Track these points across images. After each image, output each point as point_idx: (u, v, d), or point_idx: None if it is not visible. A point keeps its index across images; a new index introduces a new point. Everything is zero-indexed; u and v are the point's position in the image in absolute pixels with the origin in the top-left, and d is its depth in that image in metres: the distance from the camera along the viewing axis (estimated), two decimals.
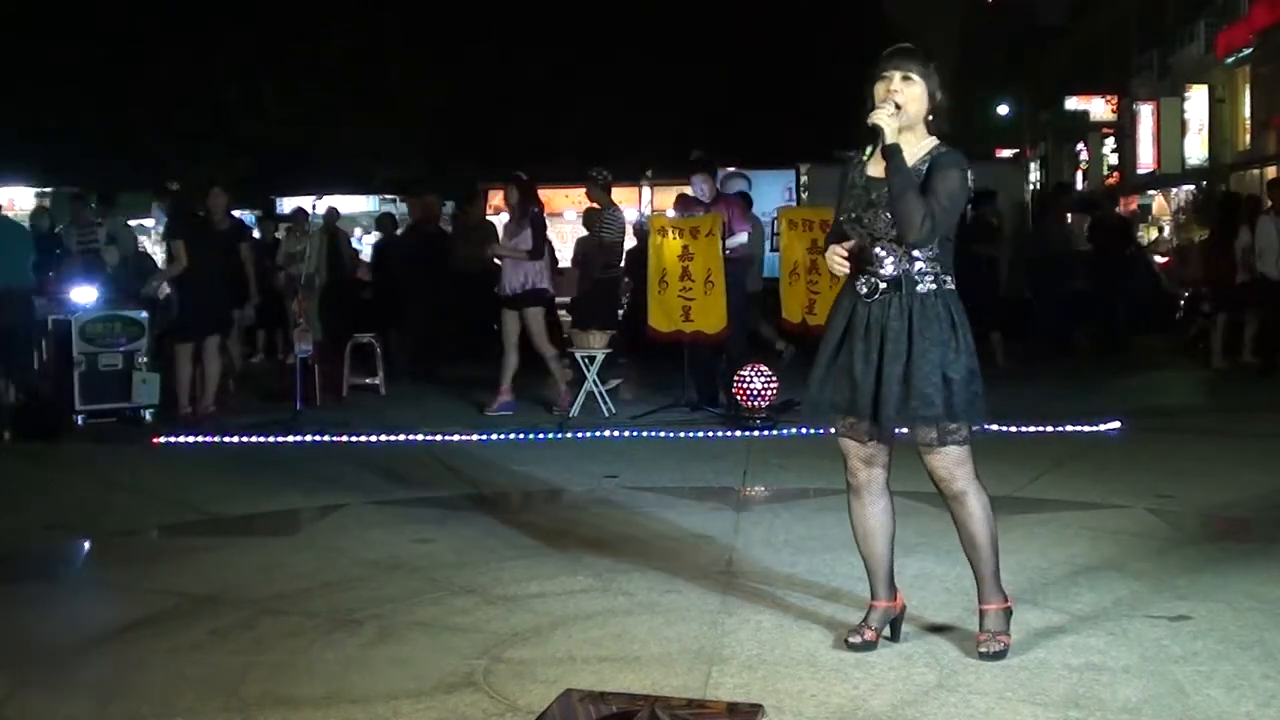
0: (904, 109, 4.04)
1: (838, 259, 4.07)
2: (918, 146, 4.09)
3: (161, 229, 12.09)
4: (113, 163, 23.67)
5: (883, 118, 4.00)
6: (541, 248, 10.04)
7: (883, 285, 4.07)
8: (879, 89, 4.06)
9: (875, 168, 4.10)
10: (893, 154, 3.99)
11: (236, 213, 12.97)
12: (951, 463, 4.12)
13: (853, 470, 4.23)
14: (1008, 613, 4.20)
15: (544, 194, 14.19)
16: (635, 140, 25.41)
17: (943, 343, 4.02)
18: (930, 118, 4.11)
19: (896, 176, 3.98)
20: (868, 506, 4.26)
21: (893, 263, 4.06)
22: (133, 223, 19.42)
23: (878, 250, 4.07)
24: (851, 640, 4.21)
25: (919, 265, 4.05)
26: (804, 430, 8.88)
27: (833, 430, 4.24)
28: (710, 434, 8.98)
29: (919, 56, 4.08)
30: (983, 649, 4.11)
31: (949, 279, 4.10)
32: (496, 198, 20.77)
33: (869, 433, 4.14)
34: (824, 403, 4.18)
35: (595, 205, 11.40)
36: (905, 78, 4.05)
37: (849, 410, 4.13)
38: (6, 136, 22.44)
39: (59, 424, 9.57)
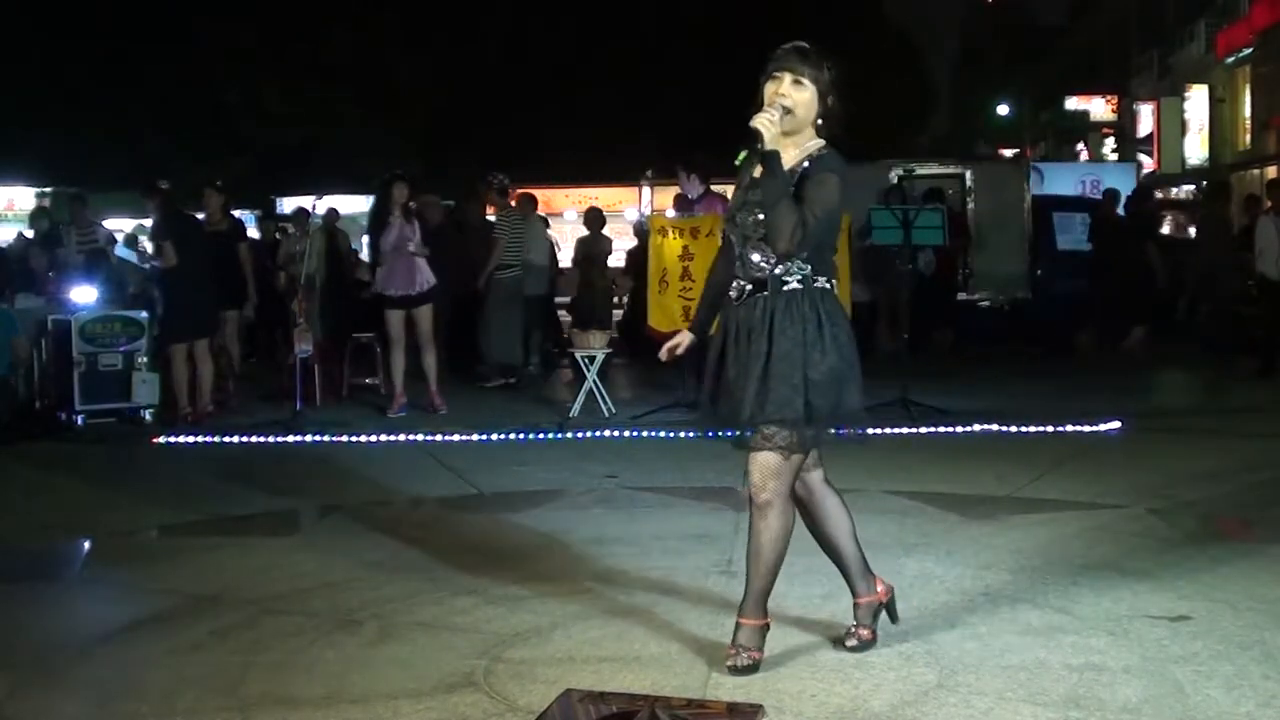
0: (792, 113, 3.96)
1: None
2: (799, 149, 4.01)
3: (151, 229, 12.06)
4: (113, 163, 23.68)
5: (763, 122, 3.90)
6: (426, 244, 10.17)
7: (749, 287, 4.01)
8: (768, 90, 4.00)
9: (759, 169, 4.04)
10: (768, 160, 3.91)
11: (236, 213, 12.95)
12: (769, 471, 3.97)
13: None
14: (764, 630, 4.08)
15: (544, 194, 14.21)
16: (635, 140, 25.41)
17: (806, 343, 3.93)
18: (819, 121, 4.05)
19: (770, 184, 3.89)
20: (815, 513, 4.19)
21: (761, 264, 4.00)
22: (133, 222, 19.47)
23: (748, 252, 4.02)
24: (850, 643, 4.20)
25: (786, 265, 3.97)
26: None
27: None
28: (710, 434, 8.96)
29: (812, 59, 4.02)
30: (730, 662, 4.00)
31: (822, 278, 4.00)
32: None
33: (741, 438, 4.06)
34: (714, 416, 4.14)
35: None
36: (796, 81, 3.98)
37: (723, 417, 4.06)
38: (6, 136, 22.45)
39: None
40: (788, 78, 3.99)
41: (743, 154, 4.01)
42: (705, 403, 4.17)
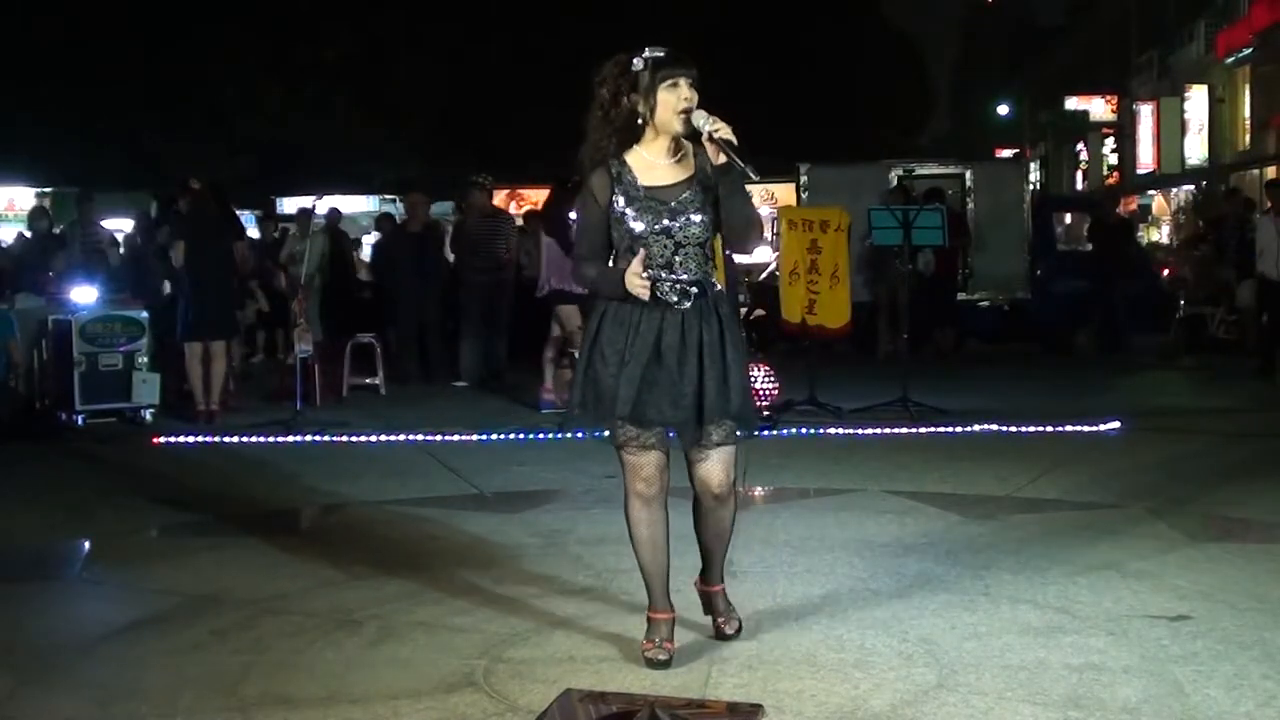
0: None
1: (639, 281, 3.94)
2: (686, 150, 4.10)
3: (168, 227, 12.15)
4: (113, 163, 23.68)
5: (730, 133, 3.92)
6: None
7: (694, 290, 4.02)
8: (668, 98, 3.98)
9: (647, 176, 4.04)
10: (742, 171, 3.95)
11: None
12: (732, 462, 4.15)
13: (649, 480, 4.11)
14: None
15: (544, 194, 14.15)
16: None
17: (742, 340, 4.16)
18: None
19: (743, 187, 4.02)
20: (657, 515, 4.16)
21: (695, 267, 4.04)
22: (131, 222, 19.44)
23: (678, 257, 4.02)
24: (659, 657, 4.07)
25: (708, 268, 4.09)
26: (804, 430, 8.89)
27: (630, 443, 4.11)
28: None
29: (690, 60, 4.05)
30: (729, 628, 4.29)
31: None
32: (496, 198, 20.73)
33: (689, 439, 4.09)
34: (627, 415, 4.03)
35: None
36: (691, 85, 4.01)
37: (668, 420, 4.03)
38: (6, 136, 22.45)
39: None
40: (684, 83, 4.00)
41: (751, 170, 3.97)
42: (623, 407, 4.02)
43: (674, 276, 4.01)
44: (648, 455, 4.11)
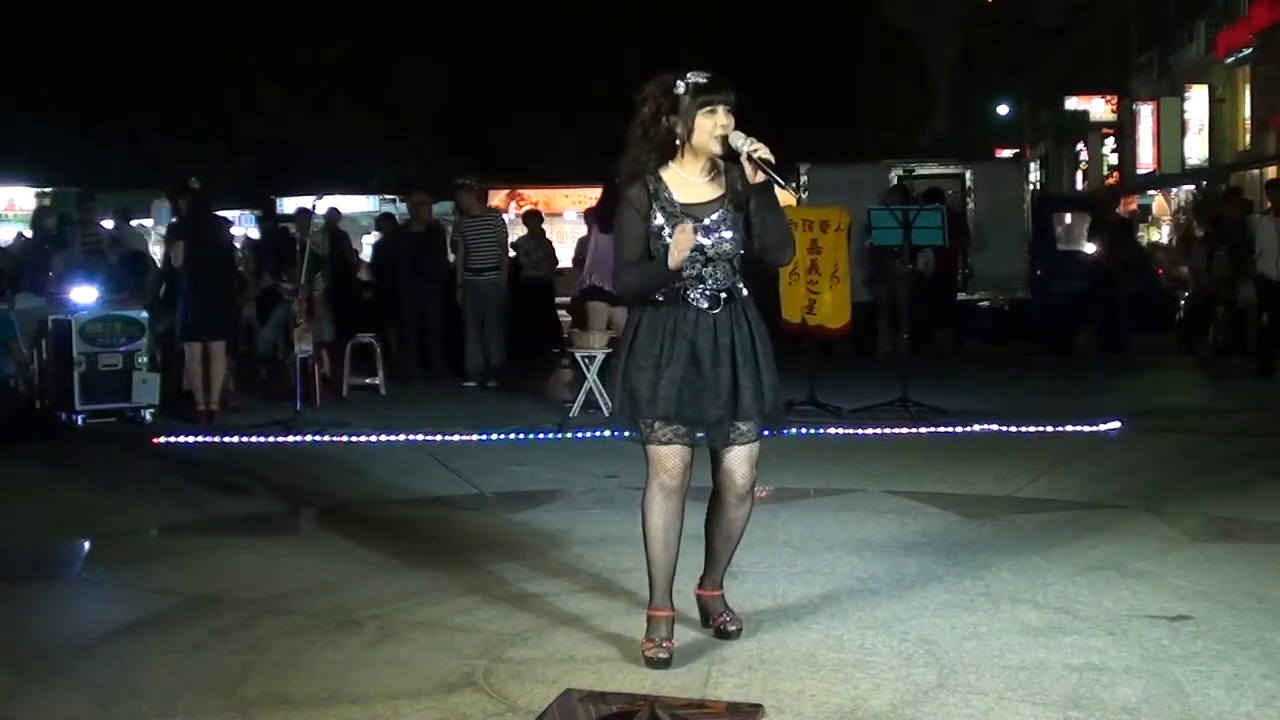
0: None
1: (685, 236, 4.04)
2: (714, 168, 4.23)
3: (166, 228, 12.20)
4: (113, 162, 23.69)
5: (768, 152, 4.05)
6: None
7: (723, 295, 4.16)
8: (706, 123, 4.09)
9: (682, 193, 4.15)
10: (772, 190, 4.12)
11: (235, 212, 12.98)
12: (755, 461, 4.25)
13: (672, 472, 4.16)
14: None
15: (544, 194, 14.21)
16: None
17: (769, 340, 4.25)
18: None
19: (778, 203, 4.17)
20: (674, 508, 4.19)
21: (723, 277, 4.17)
22: (134, 222, 19.46)
23: (708, 270, 4.15)
24: (659, 655, 4.08)
25: (737, 275, 4.22)
26: (804, 430, 8.89)
27: (661, 440, 4.16)
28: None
29: (730, 85, 4.16)
30: (733, 626, 4.35)
31: None
32: (496, 198, 20.76)
33: (721, 437, 4.18)
34: (672, 415, 4.11)
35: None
36: (729, 111, 4.12)
37: (706, 419, 4.12)
38: (6, 136, 22.45)
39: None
40: (722, 110, 4.12)
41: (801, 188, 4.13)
42: (664, 406, 4.11)
43: (703, 285, 4.16)
44: (675, 449, 4.18)
